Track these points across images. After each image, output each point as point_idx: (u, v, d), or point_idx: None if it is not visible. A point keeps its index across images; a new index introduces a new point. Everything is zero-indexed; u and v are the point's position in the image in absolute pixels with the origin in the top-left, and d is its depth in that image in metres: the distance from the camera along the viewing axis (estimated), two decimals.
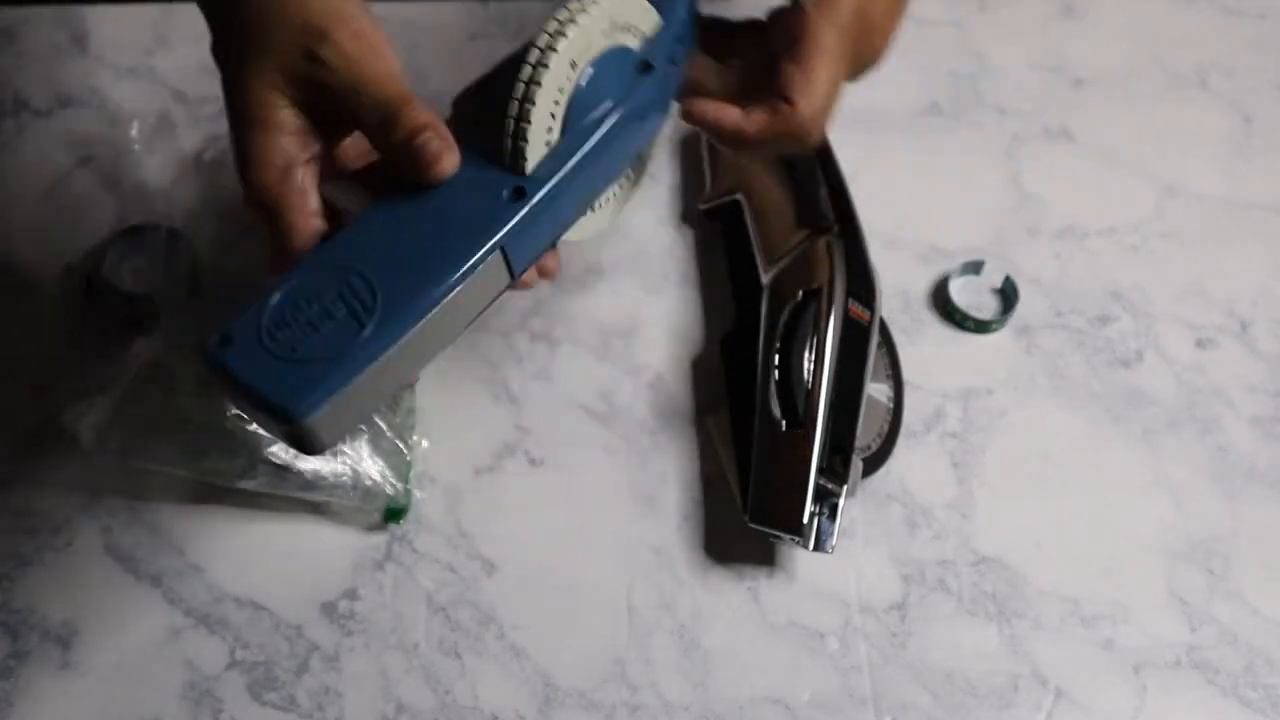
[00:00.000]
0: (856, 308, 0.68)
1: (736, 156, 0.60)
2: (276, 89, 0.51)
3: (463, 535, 0.67)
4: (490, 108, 0.53)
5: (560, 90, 0.53)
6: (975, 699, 0.63)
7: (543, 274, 0.56)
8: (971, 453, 0.70)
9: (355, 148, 0.55)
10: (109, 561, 0.65)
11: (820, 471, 0.64)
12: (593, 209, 0.58)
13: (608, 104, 0.54)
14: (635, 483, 0.68)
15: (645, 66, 0.56)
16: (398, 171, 0.51)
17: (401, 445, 0.66)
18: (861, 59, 0.58)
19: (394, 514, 0.66)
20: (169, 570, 0.65)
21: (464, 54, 0.83)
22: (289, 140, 0.51)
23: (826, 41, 0.55)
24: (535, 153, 0.52)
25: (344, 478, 0.64)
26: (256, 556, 0.66)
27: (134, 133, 0.79)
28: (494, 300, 0.53)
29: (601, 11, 0.53)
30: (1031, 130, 0.82)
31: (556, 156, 0.53)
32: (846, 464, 0.64)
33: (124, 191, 0.77)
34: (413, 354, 0.50)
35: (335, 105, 0.51)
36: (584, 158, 0.53)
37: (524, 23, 0.85)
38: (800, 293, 0.68)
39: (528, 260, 0.53)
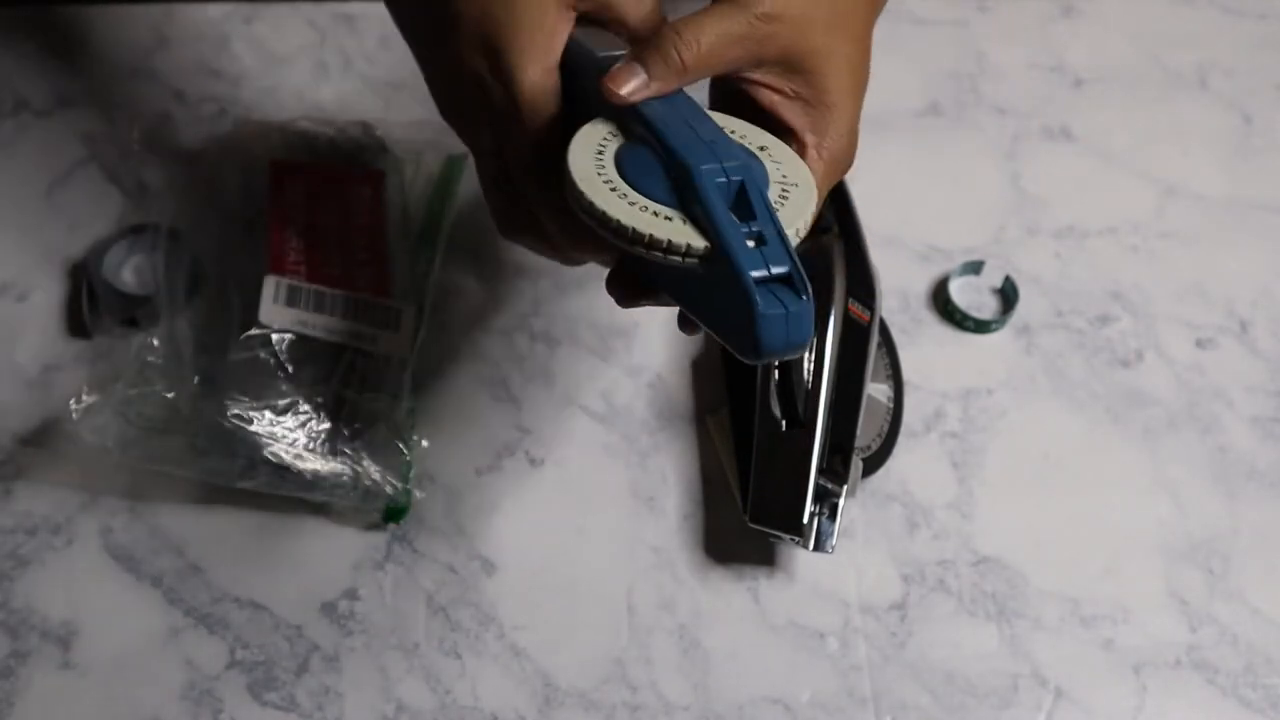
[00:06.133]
0: (856, 308, 0.68)
1: None
2: None
3: (463, 535, 0.67)
4: None
5: None
6: (975, 699, 0.63)
7: None
8: (971, 453, 0.70)
9: None
10: (109, 561, 0.65)
11: (820, 471, 0.64)
12: None
13: None
14: (635, 483, 0.68)
15: None
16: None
17: (401, 445, 0.66)
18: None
19: (394, 514, 0.66)
20: (169, 570, 0.65)
21: None
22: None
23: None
24: None
25: (344, 478, 0.64)
26: (256, 556, 0.66)
27: (134, 133, 0.79)
28: None
29: None
30: (1031, 130, 0.82)
31: None
32: (846, 464, 0.64)
33: (124, 191, 0.77)
34: None
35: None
36: None
37: None
38: None
39: None
